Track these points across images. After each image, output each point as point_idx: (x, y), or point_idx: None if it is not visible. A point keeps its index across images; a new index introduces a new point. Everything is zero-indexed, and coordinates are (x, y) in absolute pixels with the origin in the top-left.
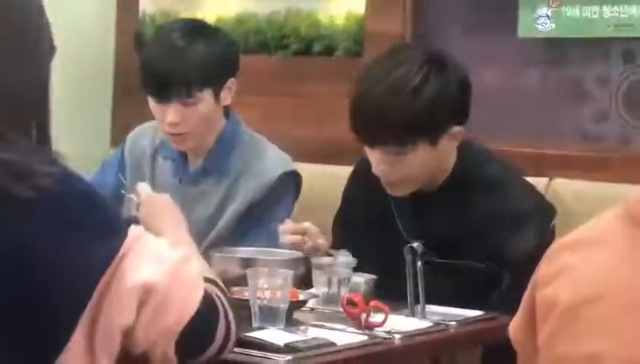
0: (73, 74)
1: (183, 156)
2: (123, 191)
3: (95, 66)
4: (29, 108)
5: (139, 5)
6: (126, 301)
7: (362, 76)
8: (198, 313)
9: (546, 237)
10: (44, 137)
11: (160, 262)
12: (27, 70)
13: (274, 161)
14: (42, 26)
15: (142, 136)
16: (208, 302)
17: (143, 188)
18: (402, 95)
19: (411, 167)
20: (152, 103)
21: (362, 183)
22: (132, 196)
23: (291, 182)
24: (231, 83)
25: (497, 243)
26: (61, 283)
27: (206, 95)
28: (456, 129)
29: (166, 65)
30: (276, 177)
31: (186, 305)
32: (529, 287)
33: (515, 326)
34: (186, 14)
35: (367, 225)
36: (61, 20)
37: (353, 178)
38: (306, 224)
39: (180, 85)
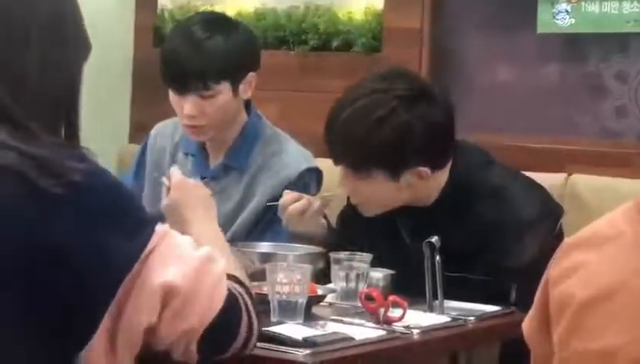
0: (91, 70)
1: (204, 152)
2: (155, 175)
3: (113, 62)
4: (61, 106)
5: (157, 1)
6: (149, 300)
7: (344, 92)
8: (220, 313)
9: (552, 243)
10: (73, 135)
11: (184, 263)
12: (64, 68)
13: (295, 157)
14: (79, 25)
15: (163, 132)
16: (230, 301)
17: (175, 172)
18: (363, 123)
19: (370, 194)
20: (171, 95)
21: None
22: (164, 179)
23: (312, 178)
24: (251, 77)
25: (502, 252)
26: (89, 277)
27: (224, 88)
28: (422, 169)
29: (184, 57)
30: (297, 174)
31: (208, 306)
32: (541, 285)
33: (528, 325)
34: (204, 9)
35: (373, 233)
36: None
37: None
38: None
39: (197, 77)
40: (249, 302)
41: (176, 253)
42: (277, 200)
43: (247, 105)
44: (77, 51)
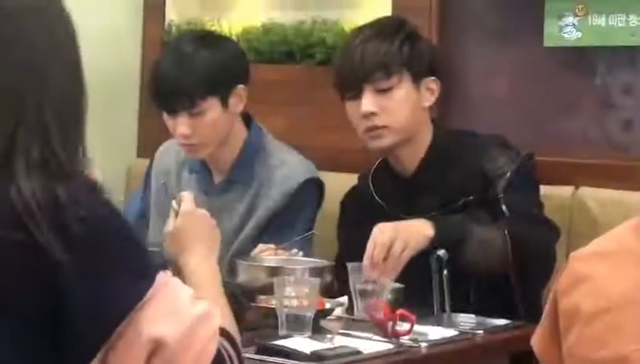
0: (99, 84)
1: (208, 169)
2: (165, 196)
3: (121, 76)
4: (79, 124)
5: (165, 15)
6: (136, 352)
7: (342, 46)
8: None
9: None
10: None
11: (178, 318)
12: (77, 82)
13: (296, 168)
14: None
15: (166, 154)
16: (217, 361)
17: (186, 198)
18: (379, 38)
19: (397, 104)
20: (164, 117)
21: (348, 212)
22: (174, 203)
23: (313, 189)
24: (241, 90)
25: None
26: (83, 323)
27: (212, 104)
28: (432, 79)
29: (168, 78)
30: (298, 185)
31: None
32: (550, 299)
33: (538, 339)
34: (212, 23)
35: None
36: (88, 30)
37: (343, 209)
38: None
39: (183, 96)
40: (235, 360)
41: (172, 307)
42: (281, 211)
43: (248, 119)
44: (81, 64)
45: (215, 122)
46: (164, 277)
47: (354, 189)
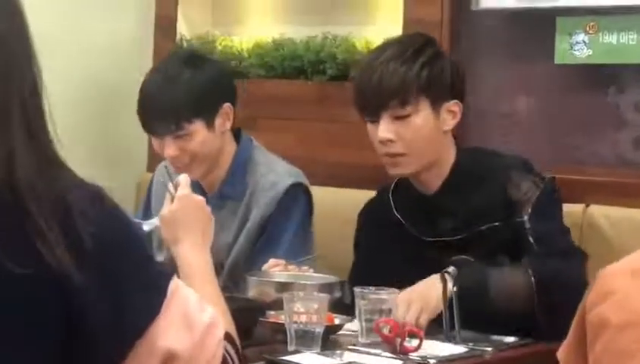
0: (110, 98)
1: (199, 187)
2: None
3: (132, 90)
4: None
5: (176, 30)
6: (149, 363)
7: (361, 62)
8: None
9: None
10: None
11: (188, 329)
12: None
13: (281, 174)
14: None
15: (164, 170)
16: None
17: (183, 182)
18: (399, 61)
19: (414, 132)
20: (152, 139)
21: (367, 227)
22: (170, 186)
23: (300, 193)
24: (227, 108)
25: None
26: (100, 341)
27: (198, 126)
28: (453, 102)
29: (152, 101)
30: (285, 189)
31: None
32: (578, 312)
33: (564, 351)
34: (223, 38)
35: (384, 249)
36: (99, 44)
37: (362, 222)
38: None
39: (168, 119)
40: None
41: (184, 317)
42: (269, 218)
43: (238, 132)
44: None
45: (203, 143)
46: (173, 285)
47: (371, 203)
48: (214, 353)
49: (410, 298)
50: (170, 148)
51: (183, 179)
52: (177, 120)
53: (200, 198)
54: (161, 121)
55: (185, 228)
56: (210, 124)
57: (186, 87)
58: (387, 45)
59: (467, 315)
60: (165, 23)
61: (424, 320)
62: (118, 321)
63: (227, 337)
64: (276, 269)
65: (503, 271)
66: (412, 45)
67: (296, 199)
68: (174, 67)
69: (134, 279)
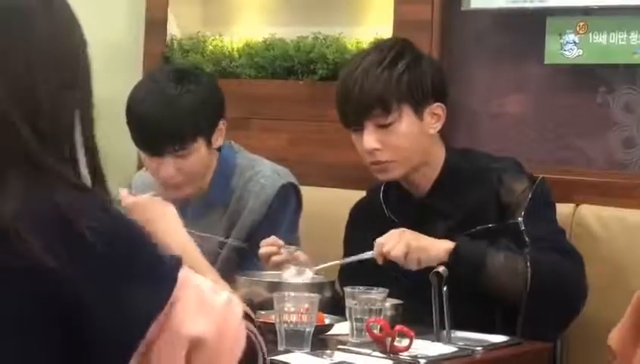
0: (99, 100)
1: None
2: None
3: (122, 91)
4: (73, 134)
5: (167, 30)
6: (176, 353)
7: (341, 72)
8: (242, 355)
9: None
10: (97, 171)
11: (208, 312)
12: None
13: (270, 176)
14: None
15: (140, 187)
16: (249, 342)
17: (123, 194)
18: (379, 68)
19: (399, 138)
20: (143, 156)
21: (359, 224)
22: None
23: (291, 193)
24: (222, 124)
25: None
26: (108, 333)
27: (199, 144)
28: (438, 105)
29: (154, 121)
30: (275, 192)
31: (233, 355)
32: (633, 301)
33: (616, 335)
34: (213, 39)
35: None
36: (90, 44)
37: (351, 222)
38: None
39: (172, 139)
40: (260, 339)
41: (201, 302)
42: (261, 221)
43: None
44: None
45: (200, 161)
46: (183, 274)
47: (363, 201)
48: (238, 332)
49: (407, 247)
50: (167, 168)
51: (122, 192)
52: (181, 141)
53: (145, 197)
54: (163, 142)
55: (150, 226)
56: (209, 142)
57: (189, 107)
58: (365, 53)
59: (458, 286)
60: (155, 24)
61: (416, 261)
62: (126, 311)
63: (245, 315)
64: (273, 249)
65: (501, 253)
66: (390, 51)
67: (287, 199)
68: (170, 86)
69: (141, 272)
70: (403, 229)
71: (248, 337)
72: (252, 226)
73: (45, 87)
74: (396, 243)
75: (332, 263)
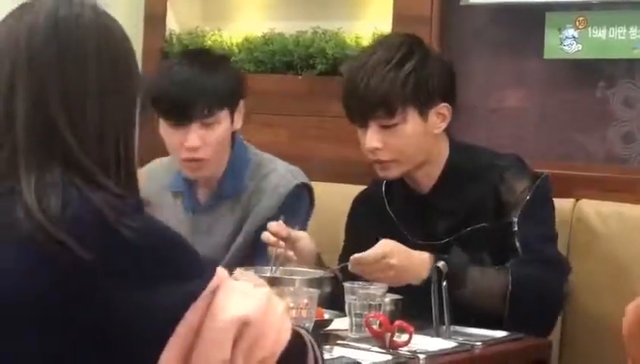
0: None
1: (192, 187)
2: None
3: None
4: (117, 141)
5: (166, 25)
6: (222, 336)
7: (348, 65)
8: (289, 345)
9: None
10: (131, 176)
11: (252, 296)
12: (120, 95)
13: (284, 175)
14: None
15: (150, 180)
16: (296, 334)
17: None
18: (386, 68)
19: (402, 140)
20: (168, 129)
21: (361, 215)
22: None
23: (304, 193)
24: (242, 105)
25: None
26: (141, 322)
27: (224, 116)
28: (444, 105)
29: (187, 85)
30: (289, 191)
31: (279, 338)
32: None
33: (630, 320)
34: (212, 33)
35: (374, 240)
36: None
37: (356, 207)
38: (297, 234)
39: (202, 103)
40: (312, 339)
41: (242, 290)
42: (272, 218)
43: (231, 135)
44: (131, 80)
45: (223, 136)
46: (222, 270)
47: (365, 194)
48: (282, 317)
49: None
50: (193, 136)
51: None
52: (210, 106)
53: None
54: (193, 105)
55: None
56: (232, 116)
57: (223, 74)
58: (375, 47)
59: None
60: (154, 19)
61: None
62: (151, 313)
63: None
64: (272, 239)
65: (483, 270)
66: (399, 50)
67: (301, 199)
68: (205, 58)
69: (176, 270)
70: (391, 258)
71: (298, 333)
72: (264, 224)
73: (93, 95)
74: (378, 274)
75: (343, 265)
